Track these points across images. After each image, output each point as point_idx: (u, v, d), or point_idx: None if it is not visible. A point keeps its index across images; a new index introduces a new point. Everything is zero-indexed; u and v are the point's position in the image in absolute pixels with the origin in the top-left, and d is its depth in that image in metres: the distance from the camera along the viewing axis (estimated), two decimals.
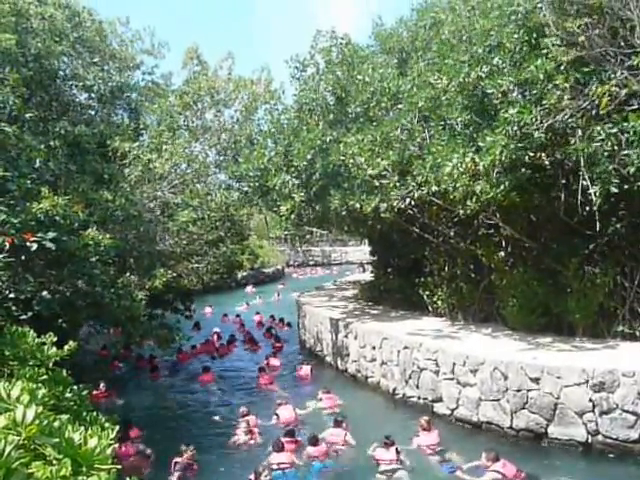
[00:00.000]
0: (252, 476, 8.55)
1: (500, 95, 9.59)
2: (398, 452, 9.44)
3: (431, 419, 10.62)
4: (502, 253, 13.26)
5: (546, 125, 9.18)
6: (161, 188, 14.94)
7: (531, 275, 12.19)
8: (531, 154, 9.42)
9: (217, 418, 12.84)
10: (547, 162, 10.31)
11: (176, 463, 9.51)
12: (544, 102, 9.13)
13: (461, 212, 11.15)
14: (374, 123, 12.24)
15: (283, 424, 11.49)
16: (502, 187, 9.54)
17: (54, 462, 3.19)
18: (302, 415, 12.17)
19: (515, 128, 9.08)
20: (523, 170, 9.78)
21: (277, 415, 11.91)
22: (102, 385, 14.17)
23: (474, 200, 10.03)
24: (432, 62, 12.08)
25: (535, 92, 9.32)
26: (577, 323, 11.59)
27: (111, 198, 11.48)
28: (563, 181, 11.05)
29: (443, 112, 10.75)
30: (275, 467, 9.25)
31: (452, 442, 10.29)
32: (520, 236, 12.42)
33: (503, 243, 13.35)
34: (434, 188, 10.35)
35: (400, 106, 11.98)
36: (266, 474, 8.46)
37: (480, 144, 9.60)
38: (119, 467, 3.48)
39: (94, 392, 13.23)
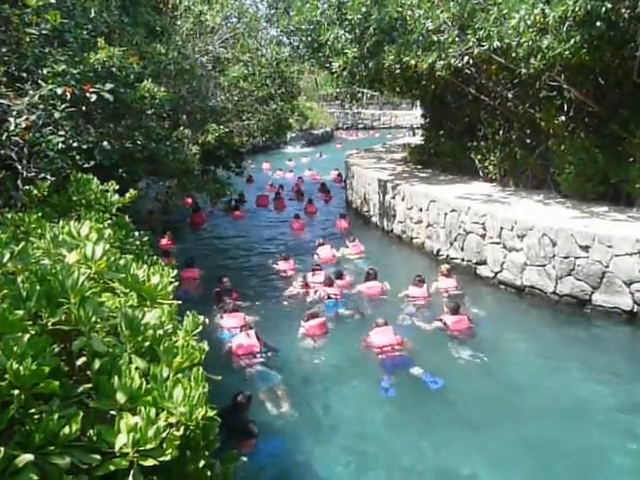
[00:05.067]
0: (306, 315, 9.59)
1: None
2: (429, 290, 10.72)
3: (451, 267, 11.73)
4: (563, 118, 12.62)
5: None
6: (212, 42, 14.64)
7: (592, 141, 11.66)
8: (609, 5, 8.48)
9: (256, 261, 14.48)
10: (626, 15, 9.33)
11: (218, 292, 10.84)
12: None
13: (523, 71, 10.57)
14: None
15: (322, 262, 13.21)
16: (572, 42, 8.83)
17: (121, 295, 3.51)
18: (337, 256, 13.99)
19: None
20: (598, 24, 8.87)
21: (317, 254, 13.81)
22: (168, 233, 15.17)
23: (539, 58, 9.43)
24: None
25: None
26: (636, 193, 11.21)
27: (164, 51, 11.39)
28: None
29: None
30: (332, 297, 10.81)
31: (494, 304, 10.82)
32: (585, 99, 11.77)
33: (565, 107, 12.67)
34: (496, 44, 9.72)
35: None
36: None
37: None
38: (179, 302, 3.83)
39: (162, 241, 14.51)
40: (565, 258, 10.05)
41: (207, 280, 12.21)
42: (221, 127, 13.93)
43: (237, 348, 8.53)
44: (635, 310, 9.41)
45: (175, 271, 4.13)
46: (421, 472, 6.23)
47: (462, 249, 12.42)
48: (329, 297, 10.87)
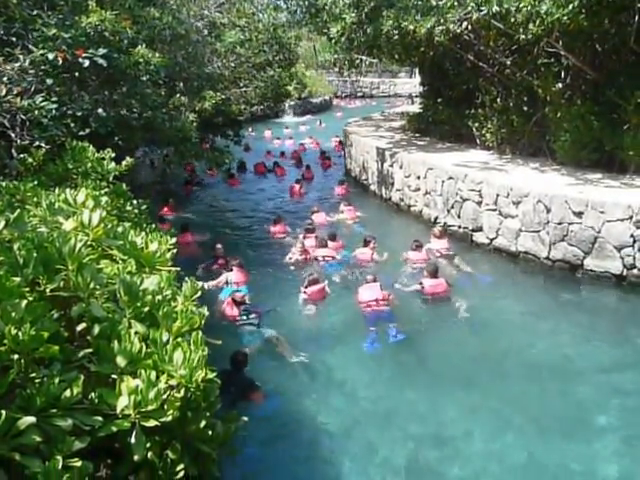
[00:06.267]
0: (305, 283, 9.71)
1: None
2: (430, 251, 11.07)
3: (444, 229, 12.10)
4: (560, 85, 12.56)
5: None
6: (208, 6, 14.37)
7: (588, 108, 11.61)
8: None
9: (251, 226, 14.78)
10: None
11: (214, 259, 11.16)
12: None
13: (522, 37, 10.49)
14: None
15: (317, 225, 13.54)
16: (570, 7, 8.81)
17: (120, 262, 3.51)
18: (331, 221, 14.38)
19: None
20: None
21: (312, 219, 13.95)
22: (171, 200, 15.28)
23: (537, 23, 9.39)
24: None
25: None
26: (629, 160, 11.23)
27: (158, 16, 11.18)
28: (639, 5, 10.08)
29: None
30: (320, 259, 11.23)
31: (489, 270, 10.92)
32: (583, 66, 11.70)
33: (562, 74, 12.61)
34: (495, 8, 9.63)
35: None
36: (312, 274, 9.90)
37: None
38: (178, 269, 3.84)
39: (165, 208, 14.72)
40: (559, 224, 10.15)
41: (201, 245, 12.43)
42: (218, 94, 13.78)
43: (221, 311, 8.88)
44: (625, 274, 9.56)
45: (174, 239, 4.14)
46: (413, 426, 6.36)
47: (459, 216, 12.45)
48: (320, 259, 11.23)
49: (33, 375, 2.47)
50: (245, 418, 3.18)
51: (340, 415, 6.62)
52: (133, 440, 2.46)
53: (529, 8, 9.20)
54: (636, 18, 10.14)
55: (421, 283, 9.59)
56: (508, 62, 13.51)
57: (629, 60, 11.42)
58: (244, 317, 8.71)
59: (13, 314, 2.46)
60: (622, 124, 11.17)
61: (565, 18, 9.10)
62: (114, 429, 2.43)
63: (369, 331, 8.38)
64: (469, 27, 11.15)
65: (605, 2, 9.84)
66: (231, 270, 10.11)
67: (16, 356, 2.41)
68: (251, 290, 9.66)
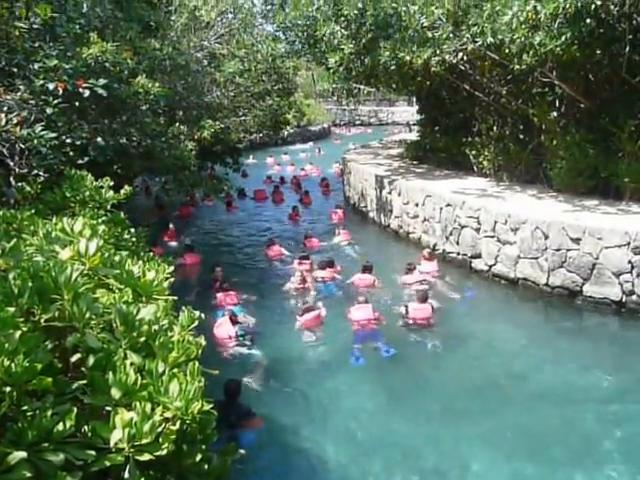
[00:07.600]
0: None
1: None
2: (420, 274, 11.44)
3: (432, 252, 12.59)
4: (555, 113, 12.75)
5: None
6: (207, 37, 14.57)
7: (583, 137, 11.76)
8: (598, 2, 8.67)
9: (248, 251, 14.92)
10: (615, 12, 9.49)
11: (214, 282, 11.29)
12: None
13: (516, 67, 10.68)
14: None
15: (310, 248, 14.13)
16: (563, 39, 8.99)
17: (116, 291, 3.51)
18: (324, 245, 14.78)
19: None
20: (588, 21, 9.09)
21: (305, 244, 14.58)
22: (171, 226, 15.31)
23: (531, 54, 9.56)
24: None
25: None
26: (625, 187, 11.34)
27: (158, 47, 11.33)
28: (630, 36, 10.30)
29: None
30: (319, 280, 11.56)
31: (488, 297, 10.95)
32: (576, 95, 11.87)
33: (557, 103, 12.80)
34: (490, 40, 9.84)
35: None
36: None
37: None
38: (175, 298, 3.81)
39: (166, 234, 14.99)
40: (557, 250, 10.16)
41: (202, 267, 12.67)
42: (217, 123, 13.92)
43: (214, 332, 8.93)
44: (624, 300, 9.55)
45: (171, 267, 4.12)
46: (410, 456, 6.25)
47: (457, 243, 12.47)
48: (319, 280, 11.49)
49: (25, 408, 2.42)
50: (242, 451, 3.13)
51: (335, 444, 6.52)
52: (127, 475, 2.41)
53: (523, 39, 9.36)
54: (627, 49, 10.32)
55: (406, 306, 9.61)
56: (503, 91, 13.70)
57: (622, 89, 11.60)
58: (241, 337, 8.76)
59: (6, 345, 2.42)
60: (617, 152, 11.33)
61: (558, 49, 9.25)
62: (107, 463, 2.38)
63: (357, 348, 8.51)
64: (465, 58, 11.36)
65: (597, 34, 10.00)
66: (215, 296, 10.42)
67: (8, 388, 2.37)
68: (247, 313, 9.80)
